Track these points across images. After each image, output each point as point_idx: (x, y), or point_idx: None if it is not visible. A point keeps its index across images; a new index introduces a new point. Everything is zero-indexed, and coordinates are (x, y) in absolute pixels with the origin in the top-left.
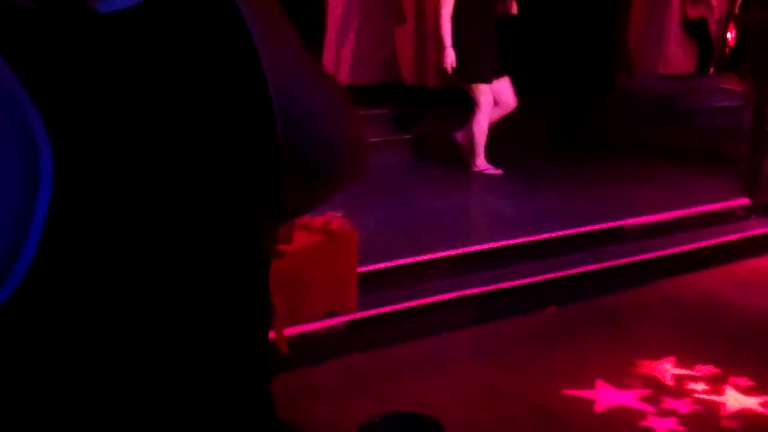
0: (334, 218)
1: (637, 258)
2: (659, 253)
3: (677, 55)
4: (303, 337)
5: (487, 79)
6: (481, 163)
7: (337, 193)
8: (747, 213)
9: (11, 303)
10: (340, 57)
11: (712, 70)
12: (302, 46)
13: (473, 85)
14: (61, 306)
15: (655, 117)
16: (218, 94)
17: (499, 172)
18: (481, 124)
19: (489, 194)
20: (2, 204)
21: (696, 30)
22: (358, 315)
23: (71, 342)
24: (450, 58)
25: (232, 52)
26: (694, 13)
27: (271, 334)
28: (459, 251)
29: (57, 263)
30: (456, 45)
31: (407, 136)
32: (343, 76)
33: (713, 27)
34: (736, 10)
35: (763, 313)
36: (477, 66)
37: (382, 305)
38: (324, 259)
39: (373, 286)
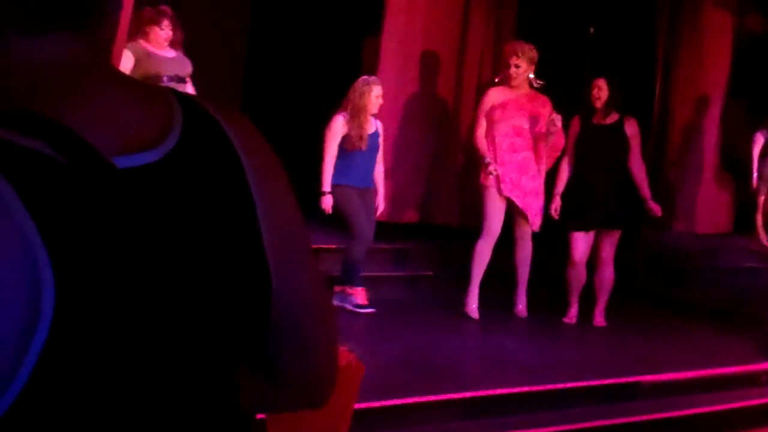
0: (341, 352)
1: (651, 416)
2: (675, 413)
3: (710, 214)
4: None
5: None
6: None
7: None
8: None
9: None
10: None
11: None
12: (301, 221)
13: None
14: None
15: (681, 273)
16: (216, 249)
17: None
18: None
19: (505, 338)
20: (5, 328)
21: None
22: None
23: None
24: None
25: (233, 215)
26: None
27: None
28: (468, 394)
29: (47, 387)
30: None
31: (429, 273)
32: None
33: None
34: None
35: None
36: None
37: None
38: None
39: (376, 424)
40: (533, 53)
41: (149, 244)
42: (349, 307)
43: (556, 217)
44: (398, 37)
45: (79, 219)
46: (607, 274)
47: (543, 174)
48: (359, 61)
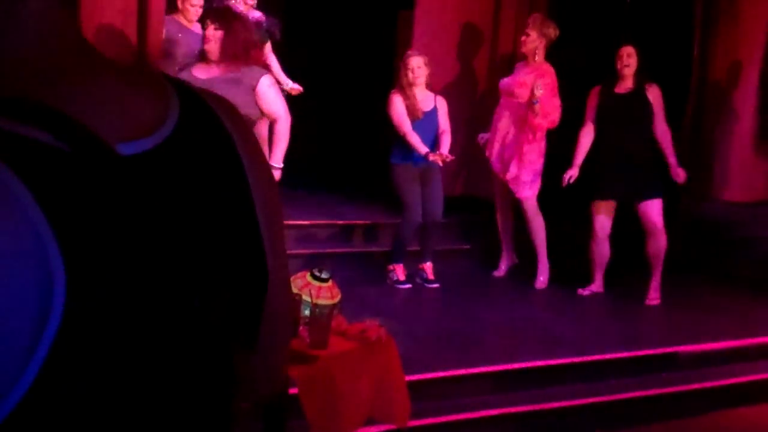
0: (372, 326)
1: (690, 387)
2: (714, 384)
3: (748, 182)
4: None
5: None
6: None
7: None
8: None
9: (16, 414)
10: None
11: None
12: (281, 208)
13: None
14: (62, 409)
15: (720, 243)
16: (217, 234)
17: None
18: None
19: (543, 310)
20: (21, 316)
21: None
22: (391, 426)
23: None
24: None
25: (232, 202)
26: None
27: None
28: (503, 367)
29: (55, 381)
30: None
31: (467, 247)
32: None
33: None
34: None
35: None
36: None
37: (419, 417)
38: (358, 366)
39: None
40: (548, 28)
41: (155, 231)
42: (389, 282)
43: (563, 185)
44: (431, 10)
45: (87, 210)
46: (659, 243)
47: (539, 143)
48: (394, 35)
